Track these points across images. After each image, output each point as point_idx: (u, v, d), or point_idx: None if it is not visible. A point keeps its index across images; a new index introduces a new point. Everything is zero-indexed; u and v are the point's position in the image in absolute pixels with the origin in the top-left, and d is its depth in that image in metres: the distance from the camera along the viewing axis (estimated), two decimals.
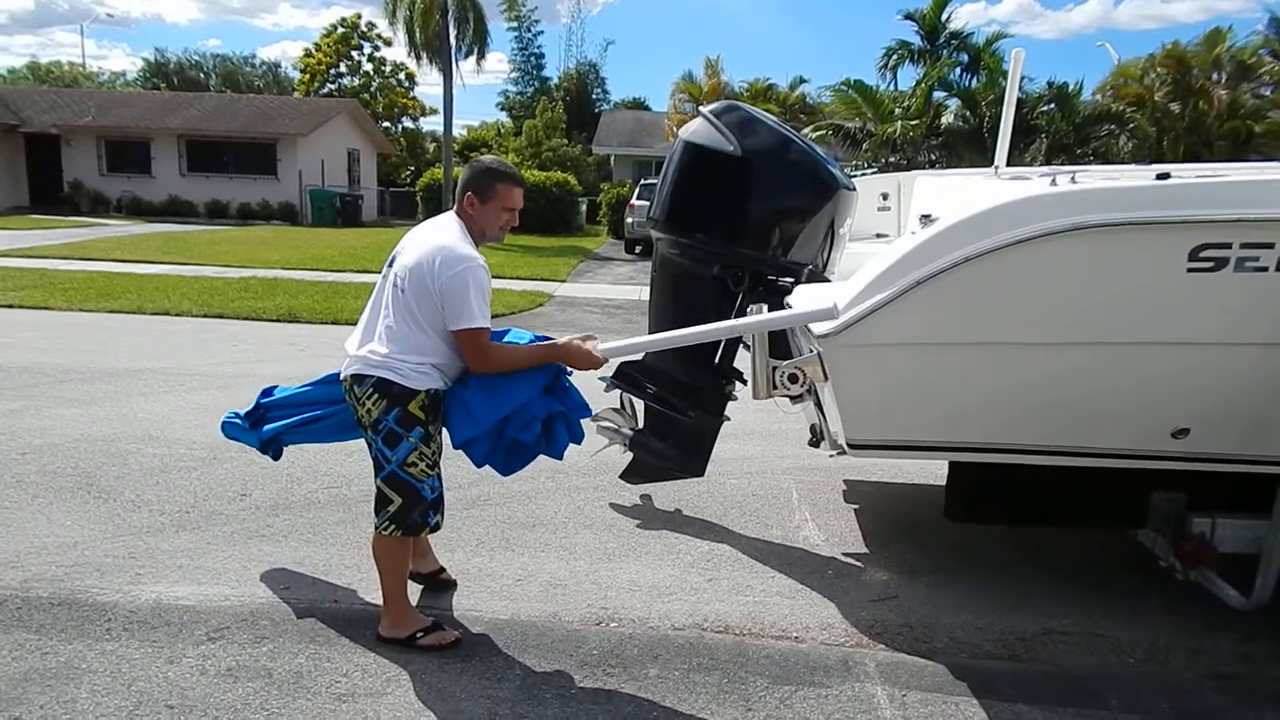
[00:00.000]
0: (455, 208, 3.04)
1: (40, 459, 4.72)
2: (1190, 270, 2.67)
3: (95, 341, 8.08)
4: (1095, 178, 3.17)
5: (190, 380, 6.65)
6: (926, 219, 2.86)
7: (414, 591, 3.34)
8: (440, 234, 2.92)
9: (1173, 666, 3.20)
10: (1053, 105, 18.14)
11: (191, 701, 2.67)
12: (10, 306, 9.70)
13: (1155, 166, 3.27)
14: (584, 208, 27.14)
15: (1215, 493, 3.27)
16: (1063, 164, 15.17)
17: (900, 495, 4.88)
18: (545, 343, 3.01)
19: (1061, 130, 17.66)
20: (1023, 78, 18.56)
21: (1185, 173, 2.93)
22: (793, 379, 3.06)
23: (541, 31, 52.78)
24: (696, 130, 3.87)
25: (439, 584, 3.45)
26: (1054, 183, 2.77)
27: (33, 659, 2.85)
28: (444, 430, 3.03)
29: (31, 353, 7.33)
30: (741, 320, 3.18)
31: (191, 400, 6.06)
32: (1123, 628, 3.42)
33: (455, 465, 3.06)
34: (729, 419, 4.13)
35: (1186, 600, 3.49)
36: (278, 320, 9.68)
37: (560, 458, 3.11)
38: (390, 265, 2.99)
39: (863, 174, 6.04)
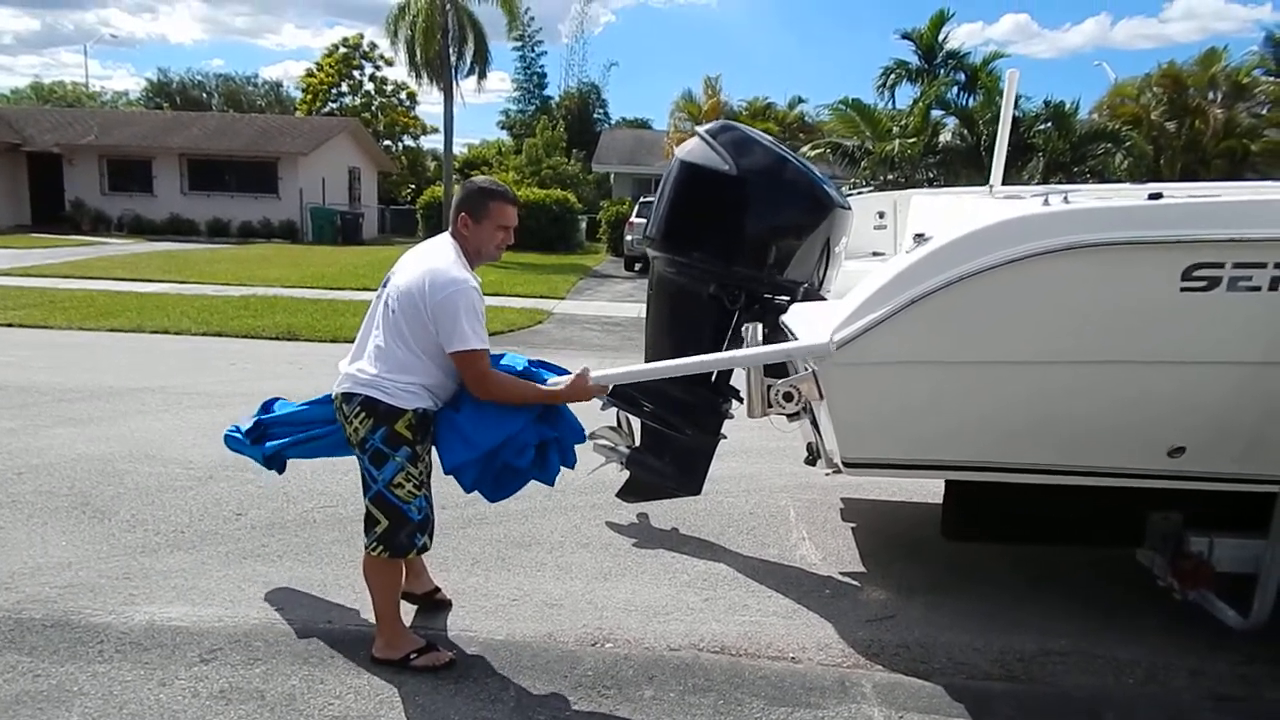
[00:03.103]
0: (450, 229, 3.04)
1: (36, 478, 4.71)
2: (1184, 290, 2.68)
3: (94, 360, 8.09)
4: (1088, 197, 3.19)
5: (188, 399, 6.64)
6: (920, 238, 2.86)
7: (408, 612, 3.33)
8: (434, 256, 2.93)
9: (1172, 687, 3.18)
10: (1049, 124, 18.24)
11: None
12: (10, 325, 9.72)
13: (1149, 186, 3.29)
14: (584, 225, 27.25)
15: (1213, 511, 3.26)
16: (1060, 182, 15.24)
17: (898, 514, 4.87)
18: (547, 388, 3.00)
19: (1058, 149, 17.74)
20: (1019, 96, 18.73)
21: (1178, 192, 2.95)
22: (787, 397, 3.06)
23: (545, 52, 53.17)
24: (692, 150, 3.89)
25: (434, 604, 3.44)
26: (1047, 202, 2.78)
27: (24, 681, 2.83)
28: (434, 452, 3.03)
29: (30, 371, 7.33)
30: (734, 353, 3.20)
31: (189, 419, 6.06)
32: (1122, 648, 3.40)
33: (451, 483, 3.06)
34: (725, 437, 4.13)
35: (1186, 620, 3.47)
36: (276, 338, 9.69)
37: (552, 483, 3.10)
38: (385, 285, 3.00)
39: (859, 192, 6.06)
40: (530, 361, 3.10)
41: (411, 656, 3.00)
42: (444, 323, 2.79)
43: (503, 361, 3.03)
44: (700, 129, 3.94)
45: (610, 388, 3.07)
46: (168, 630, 3.19)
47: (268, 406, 3.56)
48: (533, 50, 45.38)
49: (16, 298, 11.59)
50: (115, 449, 5.29)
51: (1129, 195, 3.53)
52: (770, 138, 4.03)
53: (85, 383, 6.99)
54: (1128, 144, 18.57)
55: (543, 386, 2.99)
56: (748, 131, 3.93)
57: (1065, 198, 2.80)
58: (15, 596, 3.39)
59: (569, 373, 3.06)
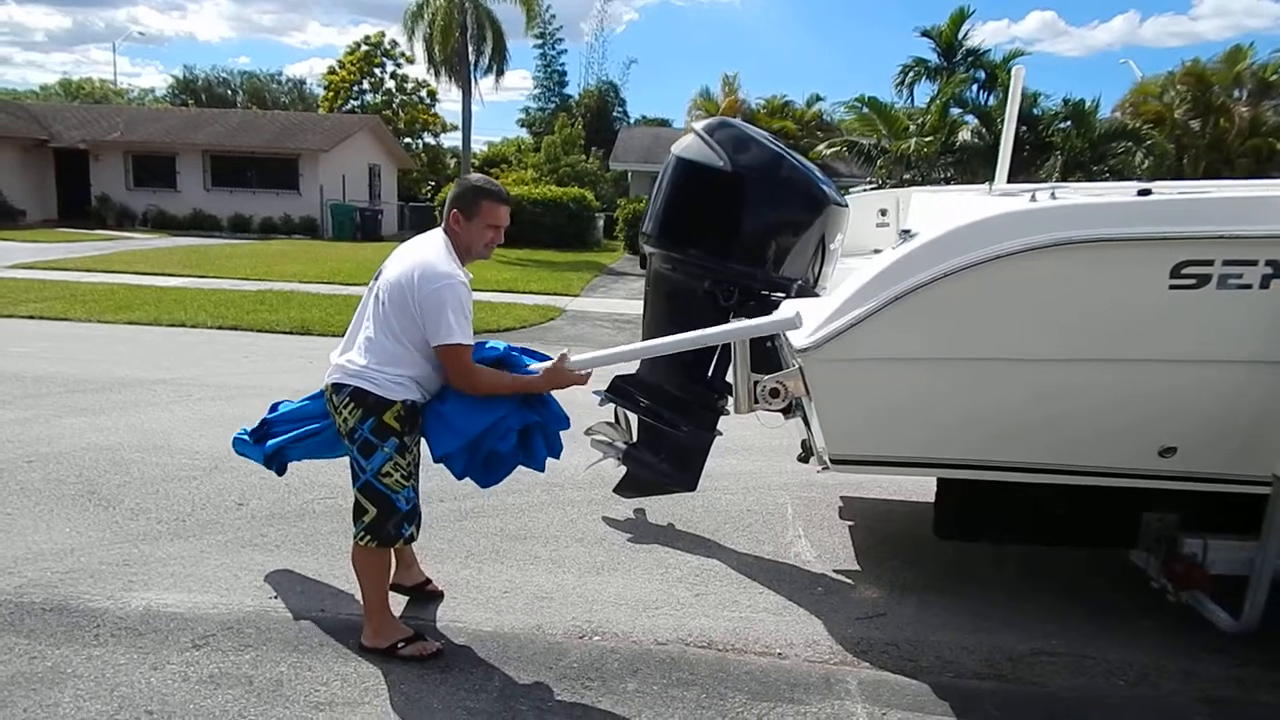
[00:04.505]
0: (442, 225, 3.08)
1: (45, 467, 4.80)
2: (1172, 287, 2.66)
3: (110, 352, 8.22)
4: (1077, 194, 3.16)
5: (198, 391, 6.74)
6: (906, 234, 2.86)
7: (399, 602, 3.37)
8: (424, 250, 2.96)
9: (1164, 689, 3.15)
10: (1068, 123, 18.04)
11: (171, 707, 2.70)
12: (31, 317, 9.90)
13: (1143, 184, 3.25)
14: (601, 223, 27.26)
15: (1206, 513, 3.23)
16: (1079, 181, 15.05)
17: (897, 512, 4.85)
18: (527, 376, 3.03)
19: (1077, 147, 17.54)
20: (1037, 94, 18.51)
21: (1168, 189, 2.92)
22: (774, 393, 3.06)
23: (565, 50, 53.32)
24: (688, 146, 3.90)
25: (425, 595, 3.48)
26: (1034, 199, 2.77)
27: (20, 663, 2.90)
28: (422, 444, 3.06)
29: (47, 362, 7.46)
30: (710, 330, 3.19)
31: (198, 410, 6.15)
32: (1114, 649, 3.37)
33: (449, 477, 3.10)
34: (721, 433, 4.14)
35: (1181, 622, 3.43)
36: (290, 332, 9.79)
37: (541, 469, 3.13)
38: (376, 278, 3.04)
39: (862, 190, 6.03)
40: (509, 347, 3.13)
41: (399, 645, 3.04)
42: (430, 316, 2.82)
43: (486, 346, 3.06)
44: (696, 125, 3.94)
45: (591, 373, 3.08)
46: (163, 616, 3.25)
47: (274, 408, 3.62)
48: (553, 48, 45.50)
49: (39, 290, 11.80)
50: (124, 439, 5.38)
51: (1118, 192, 3.50)
52: (767, 134, 4.03)
53: (99, 374, 7.11)
54: (1148, 143, 18.31)
55: (523, 376, 3.02)
56: (744, 128, 3.94)
57: (1052, 194, 2.78)
58: (17, 581, 3.46)
59: (549, 358, 3.09)
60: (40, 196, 26.68)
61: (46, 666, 2.89)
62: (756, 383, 3.11)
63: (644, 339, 4.28)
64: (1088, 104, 18.21)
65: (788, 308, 2.92)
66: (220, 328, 9.85)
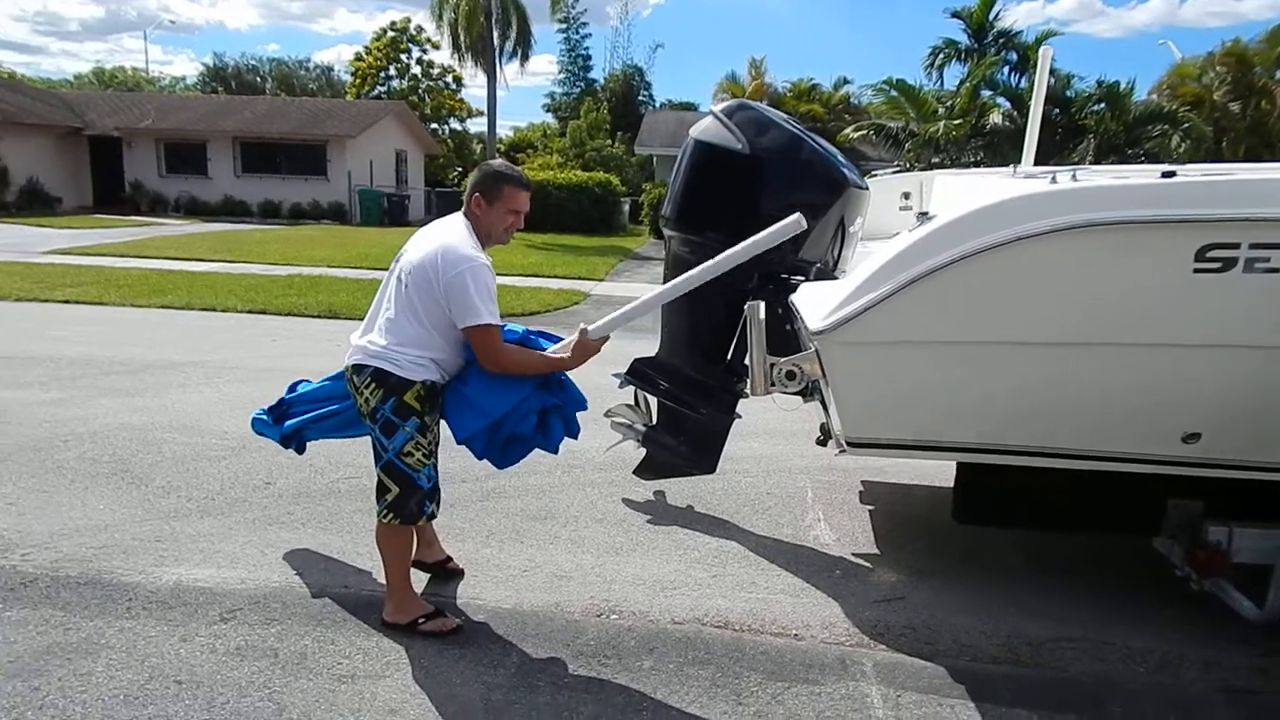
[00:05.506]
0: (464, 209, 3.11)
1: (80, 446, 4.93)
2: (1197, 271, 2.61)
3: (143, 336, 8.39)
4: (1101, 176, 3.12)
5: (228, 373, 6.87)
6: (924, 216, 2.83)
7: (420, 580, 3.43)
8: (446, 233, 3.00)
9: (1184, 678, 3.13)
10: (1102, 105, 17.67)
11: (199, 678, 2.78)
12: (68, 302, 10.12)
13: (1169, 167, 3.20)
14: (627, 207, 27.23)
15: (1231, 500, 3.18)
16: (1114, 165, 14.76)
17: (917, 496, 4.83)
18: (553, 355, 3.07)
19: (1111, 130, 17.18)
20: (1072, 76, 18.17)
21: (1192, 171, 2.87)
22: (790, 375, 3.07)
23: (589, 34, 53.21)
24: (707, 129, 3.89)
25: (445, 573, 3.54)
26: (1054, 180, 2.73)
27: (56, 634, 3.00)
28: (442, 424, 3.11)
29: (82, 345, 7.64)
30: (717, 259, 3.17)
31: (227, 392, 6.27)
32: (1135, 636, 3.35)
33: (471, 458, 3.15)
34: (741, 416, 4.14)
35: (1204, 611, 3.39)
36: (318, 316, 9.93)
37: (555, 451, 3.16)
38: (397, 261, 3.08)
39: (882, 173, 5.98)
40: (527, 330, 3.17)
41: (420, 621, 3.10)
42: (456, 298, 2.86)
43: (505, 329, 3.10)
44: (715, 108, 3.93)
45: (609, 336, 3.13)
46: (192, 590, 3.34)
47: (292, 388, 3.69)
48: (577, 33, 45.28)
49: (75, 276, 12.05)
50: (156, 419, 5.50)
51: (1141, 174, 3.44)
52: (786, 117, 4.01)
53: (132, 357, 7.26)
54: (1185, 126, 17.88)
55: (550, 354, 3.06)
56: (763, 110, 3.92)
57: (1073, 176, 2.74)
58: (54, 555, 3.57)
59: (561, 339, 3.13)
60: (75, 184, 27.14)
61: (81, 637, 2.98)
62: (773, 365, 3.11)
63: (662, 322, 4.30)
64: (1123, 86, 17.82)
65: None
66: (250, 312, 10.00)
